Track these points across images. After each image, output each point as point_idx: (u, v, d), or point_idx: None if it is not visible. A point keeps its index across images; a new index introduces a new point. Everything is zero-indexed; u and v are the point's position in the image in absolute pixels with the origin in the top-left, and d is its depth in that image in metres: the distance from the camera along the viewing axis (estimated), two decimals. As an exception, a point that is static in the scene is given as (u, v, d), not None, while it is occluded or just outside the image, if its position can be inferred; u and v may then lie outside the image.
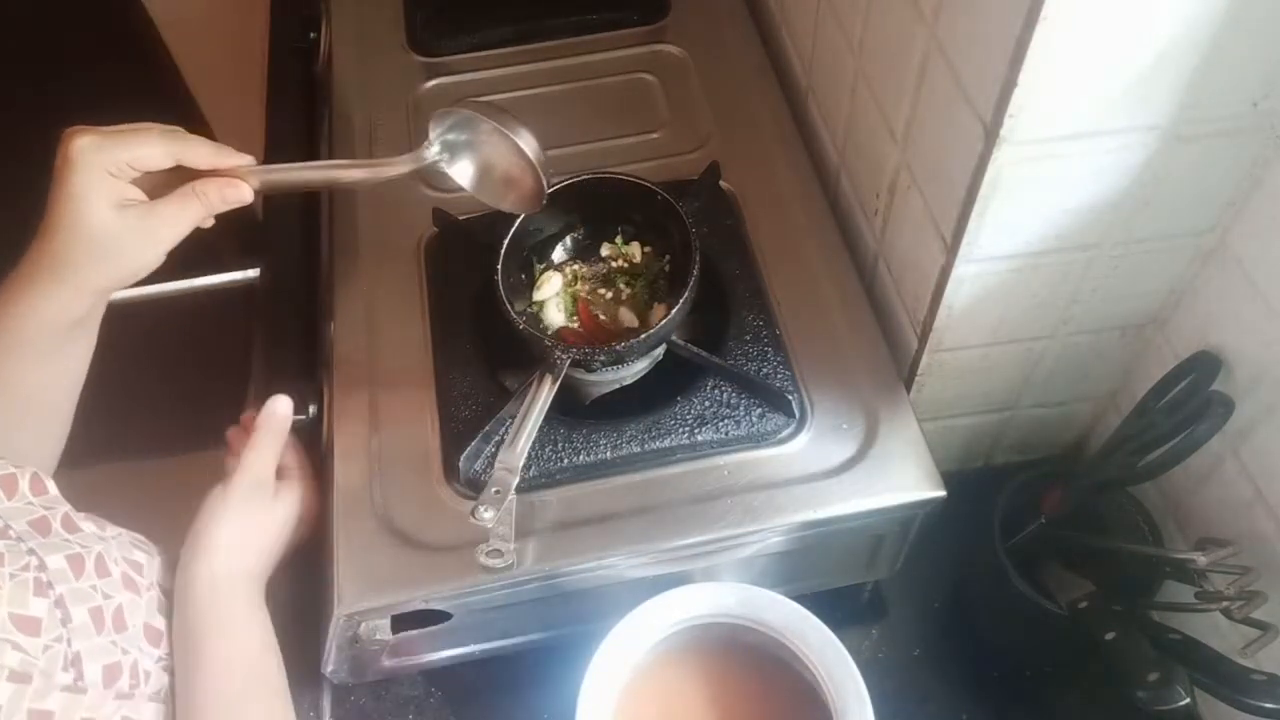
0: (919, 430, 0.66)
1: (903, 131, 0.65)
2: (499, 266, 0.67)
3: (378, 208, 0.81)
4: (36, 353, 0.60)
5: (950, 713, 0.71)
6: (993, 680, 0.72)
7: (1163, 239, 0.60)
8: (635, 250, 0.74)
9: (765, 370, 0.69)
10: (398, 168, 0.64)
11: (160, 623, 0.58)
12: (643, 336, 0.64)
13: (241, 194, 0.60)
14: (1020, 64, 0.48)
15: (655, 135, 0.85)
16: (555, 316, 0.72)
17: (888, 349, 0.70)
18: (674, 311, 0.64)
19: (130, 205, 0.57)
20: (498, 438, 0.66)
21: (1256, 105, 0.52)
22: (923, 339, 0.66)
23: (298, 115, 0.95)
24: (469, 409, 0.67)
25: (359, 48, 0.94)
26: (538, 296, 0.72)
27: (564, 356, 0.64)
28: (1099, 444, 0.70)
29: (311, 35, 0.98)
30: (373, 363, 0.71)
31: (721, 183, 0.80)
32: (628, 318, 0.71)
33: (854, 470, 0.64)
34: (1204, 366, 0.60)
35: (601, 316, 0.72)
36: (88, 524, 0.57)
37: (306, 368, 0.77)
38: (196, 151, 0.59)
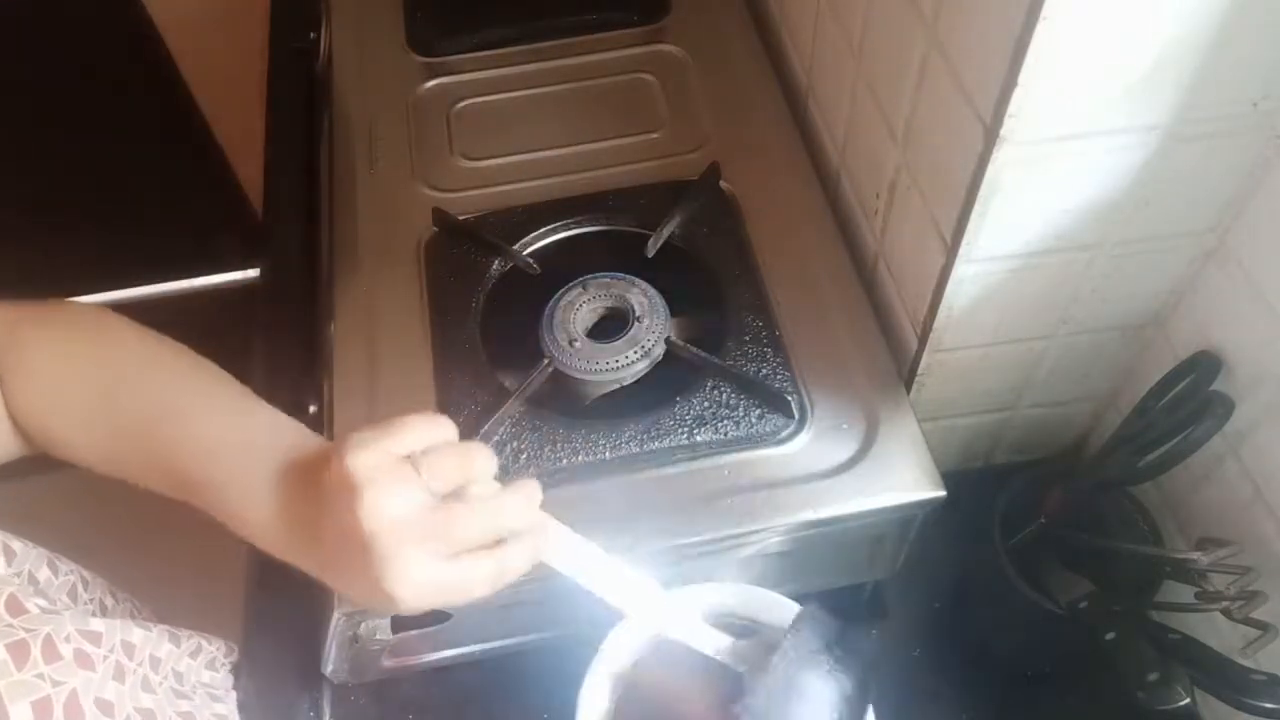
0: (919, 430, 0.66)
1: (903, 131, 0.65)
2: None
3: (378, 208, 0.81)
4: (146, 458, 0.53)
5: (950, 712, 0.71)
6: (992, 680, 0.72)
7: (1163, 239, 0.60)
8: None
9: (765, 371, 0.69)
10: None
11: (110, 690, 0.52)
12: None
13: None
14: (1020, 64, 0.48)
15: (655, 135, 0.85)
16: None
17: (888, 349, 0.70)
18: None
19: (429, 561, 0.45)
20: (497, 438, 0.66)
21: (1256, 105, 0.52)
22: (923, 339, 0.66)
23: (298, 115, 0.95)
24: (469, 409, 0.67)
25: (359, 48, 0.94)
26: None
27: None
28: (1099, 444, 0.70)
29: (311, 35, 0.98)
30: (373, 363, 0.71)
31: (721, 183, 0.80)
32: None
33: (854, 470, 0.64)
34: (1204, 366, 0.60)
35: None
36: (37, 600, 0.51)
37: (306, 368, 0.77)
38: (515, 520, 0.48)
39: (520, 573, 0.48)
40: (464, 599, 0.46)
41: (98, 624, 0.53)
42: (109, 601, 0.64)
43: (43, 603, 0.52)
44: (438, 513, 0.45)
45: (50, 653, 0.49)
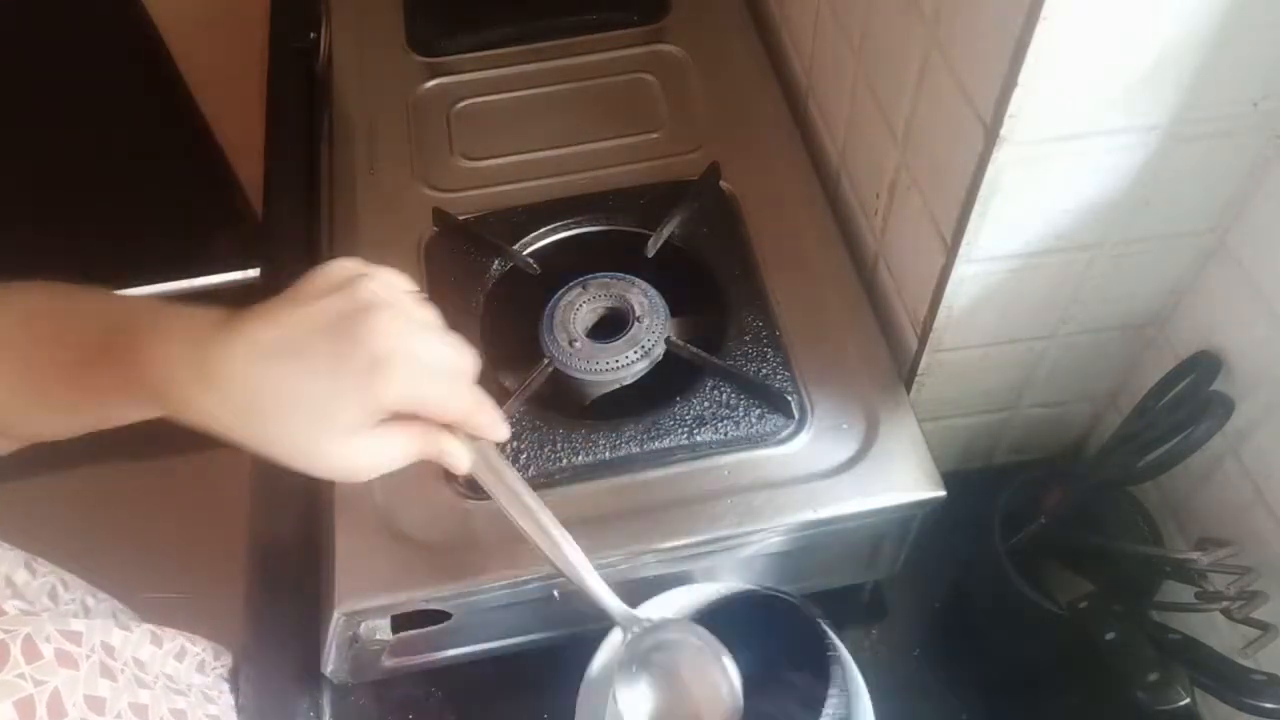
0: (919, 430, 0.66)
1: (903, 131, 0.65)
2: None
3: (378, 207, 0.81)
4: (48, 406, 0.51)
5: (950, 712, 0.71)
6: (992, 680, 0.72)
7: (1163, 239, 0.60)
8: None
9: (765, 371, 0.69)
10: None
11: (103, 687, 0.51)
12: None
13: (460, 464, 0.52)
14: (1020, 64, 0.48)
15: (655, 135, 0.85)
16: None
17: (888, 349, 0.70)
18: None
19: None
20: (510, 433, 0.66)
21: (1256, 105, 0.52)
22: (923, 339, 0.66)
23: (298, 115, 0.95)
24: (469, 409, 0.67)
25: (359, 48, 0.94)
26: None
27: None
28: (1099, 444, 0.70)
29: (311, 35, 0.98)
30: (373, 363, 0.71)
31: (721, 183, 0.80)
32: None
33: (854, 470, 0.64)
34: (1204, 366, 0.60)
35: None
36: (15, 602, 0.51)
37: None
38: (468, 425, 0.51)
39: (454, 454, 0.51)
40: (401, 448, 0.49)
41: (78, 624, 0.53)
42: (90, 601, 0.63)
43: (21, 604, 0.51)
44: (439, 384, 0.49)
45: (31, 652, 0.49)
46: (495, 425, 0.53)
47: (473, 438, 0.52)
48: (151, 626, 0.60)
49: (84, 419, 0.51)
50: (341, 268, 0.48)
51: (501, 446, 0.66)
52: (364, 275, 0.47)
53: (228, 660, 0.67)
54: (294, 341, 0.45)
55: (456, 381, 0.50)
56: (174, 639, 0.62)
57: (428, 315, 0.50)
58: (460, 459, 0.52)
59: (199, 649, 0.64)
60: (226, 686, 0.65)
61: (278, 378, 0.45)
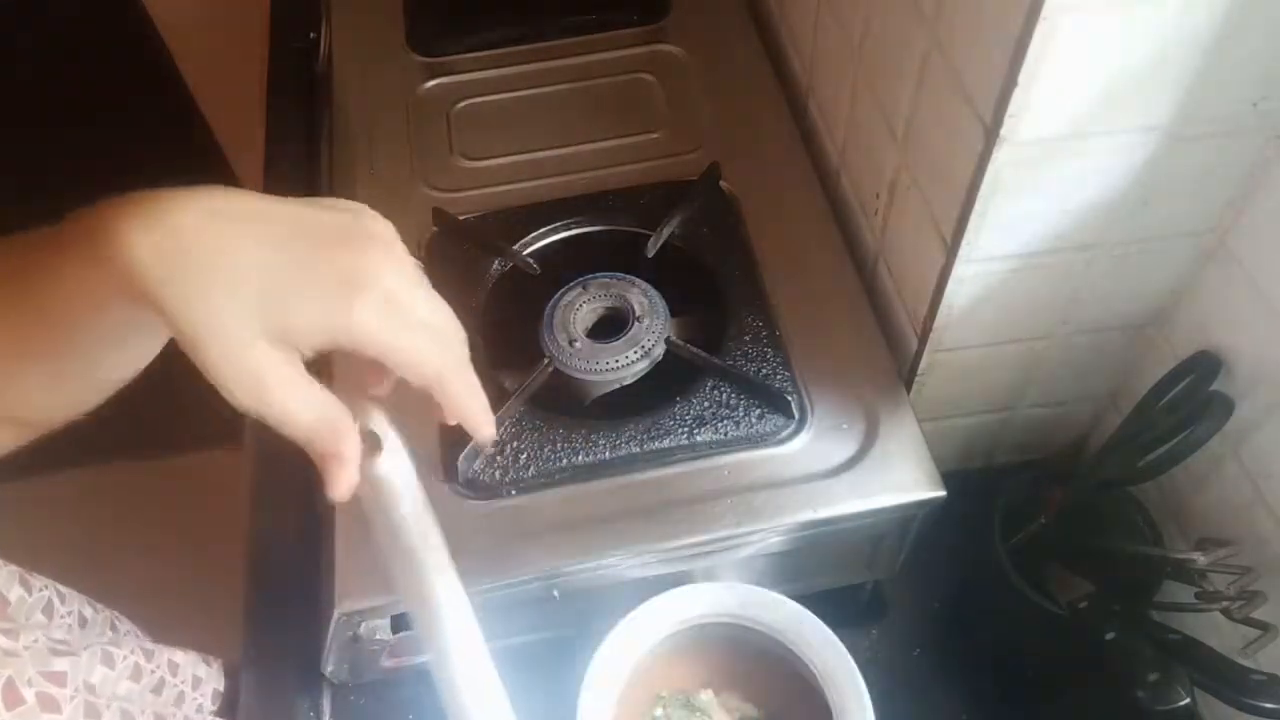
0: (919, 430, 0.66)
1: (903, 131, 0.65)
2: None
3: (378, 207, 0.80)
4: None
5: (950, 713, 0.71)
6: (992, 680, 0.72)
7: (1163, 239, 0.60)
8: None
9: (765, 370, 0.69)
10: None
11: None
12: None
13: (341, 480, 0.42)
14: (1020, 64, 0.48)
15: (655, 135, 0.85)
16: None
17: (888, 349, 0.70)
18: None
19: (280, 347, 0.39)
20: (497, 438, 0.66)
21: (1256, 105, 0.52)
22: (923, 339, 0.66)
23: (298, 115, 0.95)
24: (469, 409, 0.67)
25: (359, 48, 0.94)
26: None
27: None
28: (1099, 444, 0.70)
29: (311, 35, 0.98)
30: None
31: (721, 183, 0.80)
32: None
33: (854, 470, 0.64)
34: (1204, 366, 0.60)
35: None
36: (2, 628, 0.50)
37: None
38: (452, 403, 0.45)
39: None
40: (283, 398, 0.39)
41: (61, 664, 0.51)
42: (88, 612, 0.63)
43: (6, 627, 0.50)
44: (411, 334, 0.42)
45: (12, 698, 0.47)
46: (480, 414, 0.46)
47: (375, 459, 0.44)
48: (143, 645, 0.60)
49: (53, 335, 0.42)
50: (357, 203, 0.43)
51: (502, 447, 0.66)
52: (377, 215, 0.42)
53: (208, 689, 0.66)
54: (270, 219, 0.39)
55: (440, 341, 0.43)
56: (158, 662, 0.61)
57: (428, 283, 0.44)
58: (347, 474, 0.41)
59: (178, 679, 0.63)
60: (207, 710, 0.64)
61: (232, 236, 0.37)
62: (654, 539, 0.62)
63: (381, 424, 0.45)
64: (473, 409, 0.46)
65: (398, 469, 0.44)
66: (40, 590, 0.59)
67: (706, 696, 0.63)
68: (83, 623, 0.62)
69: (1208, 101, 0.51)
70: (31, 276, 0.41)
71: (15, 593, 0.56)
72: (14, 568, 0.57)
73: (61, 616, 0.60)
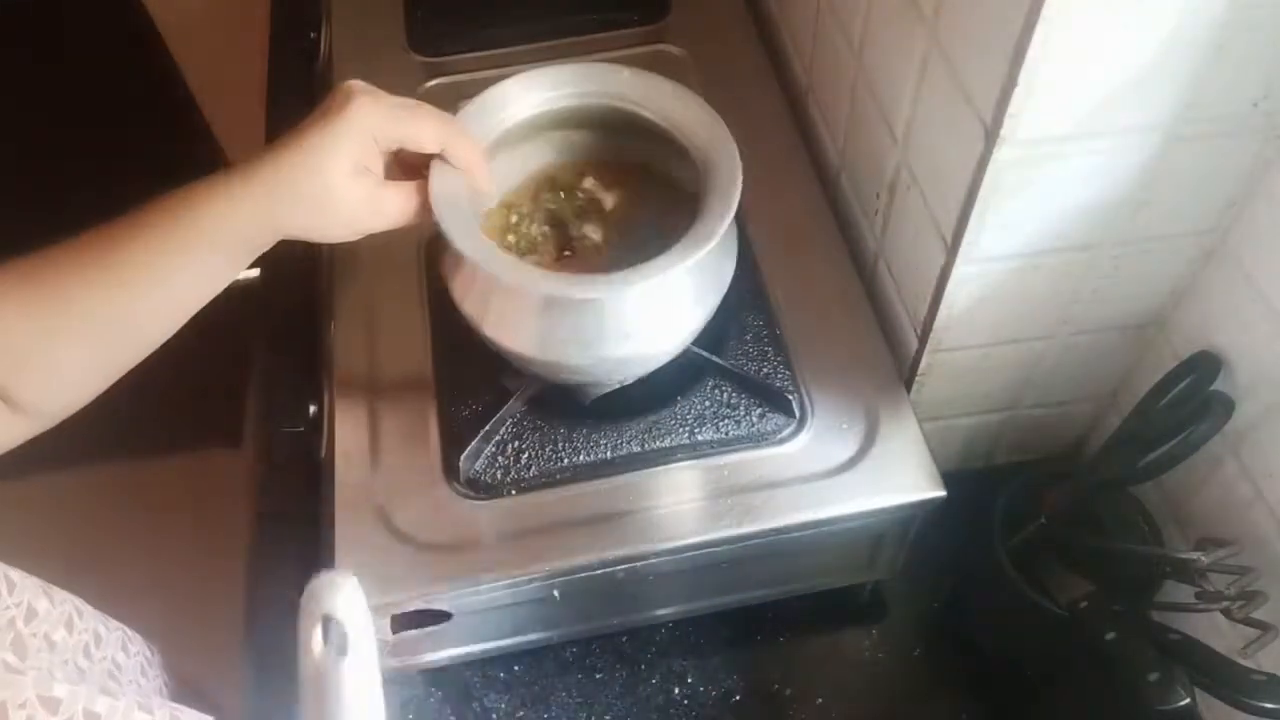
0: (919, 430, 0.66)
1: (903, 131, 0.65)
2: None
3: (378, 208, 0.81)
4: (184, 257, 0.56)
5: (950, 713, 0.71)
6: (993, 680, 0.72)
7: (1163, 239, 0.60)
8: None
9: (765, 370, 0.69)
10: None
11: None
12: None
13: (484, 198, 0.62)
14: (1020, 64, 0.48)
15: (655, 135, 0.85)
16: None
17: (888, 349, 0.70)
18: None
19: (366, 173, 0.57)
20: (498, 438, 0.66)
21: (1256, 105, 0.52)
22: (923, 339, 0.66)
23: (298, 115, 0.95)
24: (469, 409, 0.67)
25: (359, 48, 0.94)
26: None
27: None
28: (1099, 444, 0.70)
29: (311, 35, 0.98)
30: (373, 363, 0.71)
31: (721, 183, 0.80)
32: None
33: (854, 470, 0.64)
34: (1204, 366, 0.60)
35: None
36: (8, 655, 0.50)
37: (306, 368, 0.77)
38: (460, 149, 0.59)
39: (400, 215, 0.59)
40: (392, 205, 0.58)
41: (60, 690, 0.50)
42: (101, 630, 0.63)
43: (11, 658, 0.50)
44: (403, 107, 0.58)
45: None
46: (482, 168, 0.60)
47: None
48: (142, 664, 0.59)
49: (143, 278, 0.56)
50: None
51: (504, 447, 0.66)
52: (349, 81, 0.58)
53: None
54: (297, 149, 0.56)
55: (438, 117, 0.59)
56: (162, 707, 0.60)
57: (410, 100, 0.59)
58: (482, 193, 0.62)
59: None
60: None
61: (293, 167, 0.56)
62: (654, 539, 0.62)
63: (351, 614, 0.46)
64: (476, 161, 0.61)
65: (358, 679, 0.44)
66: (61, 604, 0.58)
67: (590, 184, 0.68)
68: (97, 640, 0.62)
69: (1208, 101, 0.51)
70: (198, 199, 0.56)
71: (42, 605, 0.56)
72: (37, 580, 0.56)
73: (80, 633, 0.59)
